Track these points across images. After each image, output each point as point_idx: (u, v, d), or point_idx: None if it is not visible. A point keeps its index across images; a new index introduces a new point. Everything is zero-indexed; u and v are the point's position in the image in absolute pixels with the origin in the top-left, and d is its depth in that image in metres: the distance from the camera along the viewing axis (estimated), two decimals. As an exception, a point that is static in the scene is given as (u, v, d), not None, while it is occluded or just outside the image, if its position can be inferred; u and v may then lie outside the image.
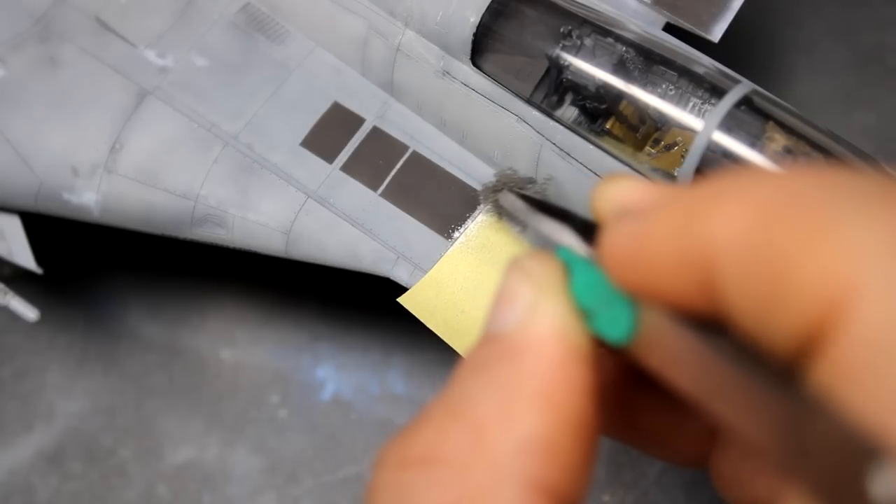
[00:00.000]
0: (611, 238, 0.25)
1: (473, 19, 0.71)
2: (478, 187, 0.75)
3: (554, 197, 0.72)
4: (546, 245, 0.28)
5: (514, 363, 0.24)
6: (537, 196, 0.68)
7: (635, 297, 0.25)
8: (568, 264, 0.27)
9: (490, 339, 0.25)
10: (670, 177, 0.64)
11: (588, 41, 0.68)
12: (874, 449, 0.18)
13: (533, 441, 0.23)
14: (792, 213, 0.21)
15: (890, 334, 0.18)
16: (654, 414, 0.30)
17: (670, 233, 0.23)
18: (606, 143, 0.67)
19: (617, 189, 0.26)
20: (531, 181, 0.70)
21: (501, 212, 0.66)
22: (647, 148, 0.66)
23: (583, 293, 0.26)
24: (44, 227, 0.82)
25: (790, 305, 0.20)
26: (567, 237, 0.28)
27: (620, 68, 0.67)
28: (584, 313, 0.26)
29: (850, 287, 0.19)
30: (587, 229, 0.27)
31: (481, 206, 0.70)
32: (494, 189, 0.68)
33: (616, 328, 0.25)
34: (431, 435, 0.24)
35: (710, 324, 0.23)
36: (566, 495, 0.23)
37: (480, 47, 0.72)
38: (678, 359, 0.23)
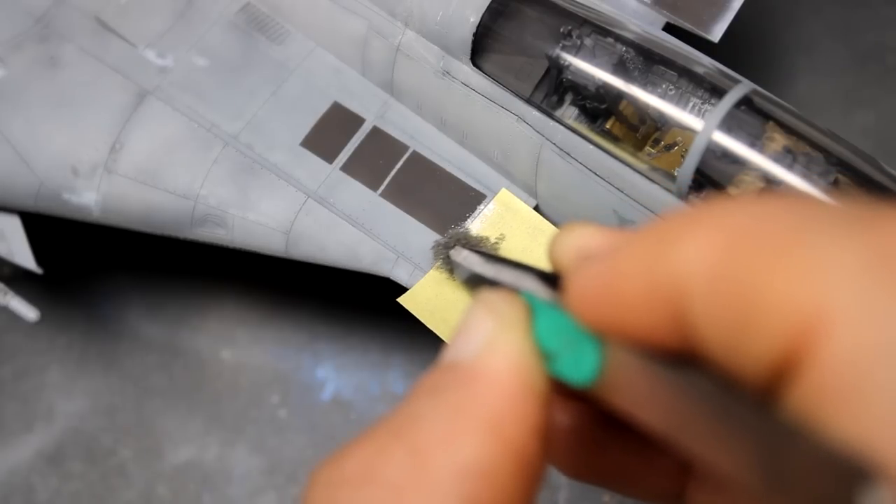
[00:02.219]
0: (578, 278, 0.25)
1: (473, 19, 0.71)
2: (478, 187, 0.75)
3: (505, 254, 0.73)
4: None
5: (465, 390, 0.24)
6: (490, 252, 0.69)
7: (603, 337, 0.25)
8: (531, 307, 0.27)
9: (446, 366, 0.25)
10: (670, 177, 0.64)
11: (588, 41, 0.68)
12: (861, 469, 0.18)
13: (473, 467, 0.23)
14: (759, 241, 0.21)
15: (865, 353, 0.18)
16: (621, 455, 0.30)
17: (639, 268, 0.23)
18: (606, 143, 0.67)
19: (576, 235, 0.27)
20: (483, 239, 0.71)
21: (454, 267, 0.67)
22: (647, 148, 0.66)
23: (546, 335, 0.26)
24: (44, 227, 0.82)
25: (762, 333, 0.20)
26: (529, 283, 0.28)
27: (620, 68, 0.66)
28: (546, 355, 0.26)
29: (821, 311, 0.19)
30: (545, 279, 0.28)
31: (433, 261, 0.71)
32: (446, 246, 0.69)
33: (580, 370, 0.25)
34: (370, 454, 0.23)
35: (682, 359, 0.23)
36: None
37: (480, 47, 0.72)
38: (646, 396, 0.23)
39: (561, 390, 0.26)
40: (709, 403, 0.21)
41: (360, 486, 0.23)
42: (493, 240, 0.71)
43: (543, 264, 0.28)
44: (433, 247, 0.71)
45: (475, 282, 0.31)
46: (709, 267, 0.21)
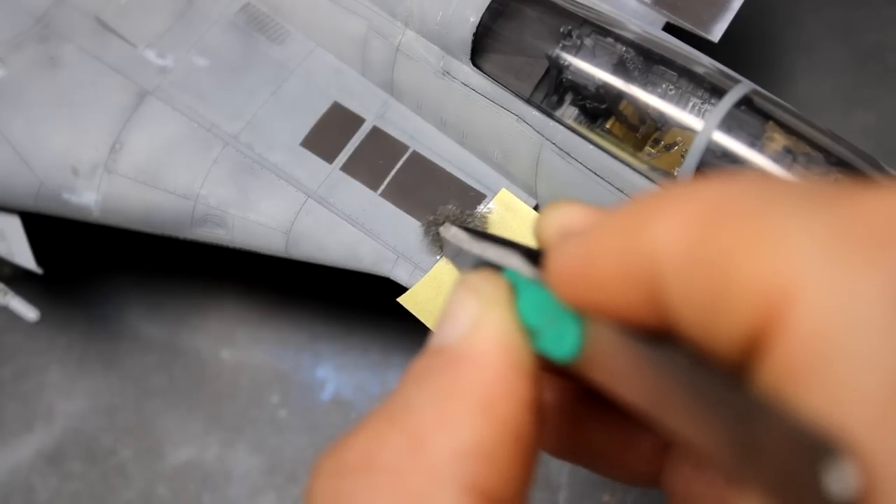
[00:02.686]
0: (557, 256, 0.25)
1: (473, 19, 0.71)
2: (478, 187, 0.75)
3: (493, 229, 0.74)
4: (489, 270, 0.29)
5: (455, 373, 0.24)
6: (479, 228, 0.69)
7: (582, 314, 0.25)
8: (514, 285, 0.27)
9: (434, 350, 0.26)
10: (670, 177, 0.64)
11: (588, 41, 0.68)
12: (827, 445, 0.18)
13: (470, 447, 0.23)
14: (729, 218, 0.21)
15: (830, 328, 0.19)
16: (605, 433, 0.30)
17: (614, 246, 0.23)
18: (606, 143, 0.67)
19: (559, 213, 0.27)
20: (473, 214, 0.71)
21: (443, 244, 0.68)
22: (647, 148, 0.66)
23: (528, 312, 0.26)
24: (44, 227, 0.82)
25: (731, 309, 0.20)
26: (513, 260, 0.28)
27: (620, 68, 0.66)
28: (530, 332, 0.26)
29: (788, 286, 0.19)
30: (530, 256, 0.28)
31: (423, 239, 0.71)
32: (435, 222, 0.70)
33: (562, 346, 0.25)
34: (369, 442, 0.24)
35: (659, 336, 0.23)
36: (503, 501, 0.23)
37: (480, 47, 0.72)
38: (626, 372, 0.24)
39: (544, 367, 0.26)
40: (684, 380, 0.22)
41: (362, 473, 0.23)
42: (480, 213, 0.71)
43: (531, 243, 0.29)
44: (423, 224, 0.71)
45: (463, 259, 0.31)
46: (680, 245, 0.21)
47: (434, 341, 0.26)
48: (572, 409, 0.30)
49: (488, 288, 0.27)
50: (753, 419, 0.19)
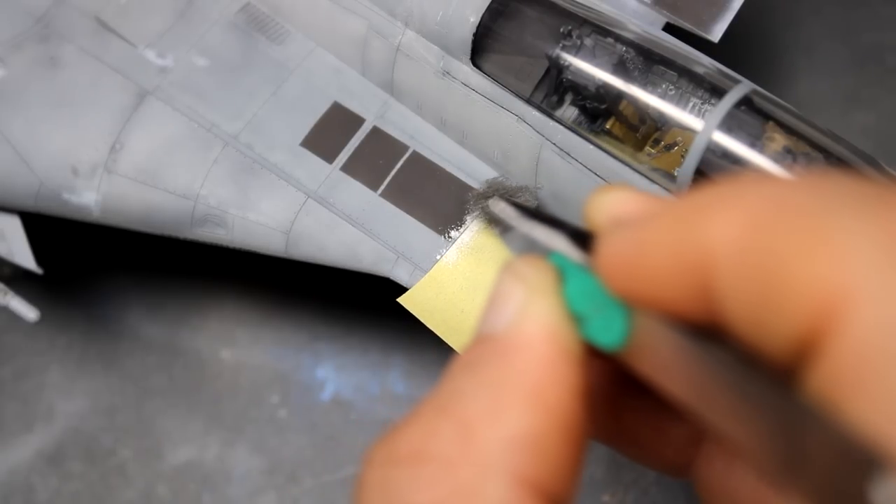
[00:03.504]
0: (608, 245, 0.25)
1: (473, 19, 0.71)
2: (478, 187, 0.75)
3: (545, 205, 0.73)
4: (536, 252, 0.28)
5: (504, 362, 0.24)
6: (528, 204, 0.68)
7: (631, 304, 0.25)
8: (561, 269, 0.27)
9: (481, 339, 0.26)
10: (670, 177, 0.64)
11: (588, 41, 0.68)
12: (874, 458, 0.18)
13: (521, 438, 0.23)
14: (787, 218, 0.21)
15: (885, 338, 0.18)
16: (639, 419, 0.30)
17: (667, 240, 0.23)
18: (606, 143, 0.67)
19: (612, 198, 0.27)
20: (522, 189, 0.70)
21: (491, 218, 0.67)
22: (647, 148, 0.66)
23: (575, 298, 0.26)
24: (44, 227, 0.82)
25: (785, 311, 0.20)
26: (560, 243, 0.28)
27: (620, 68, 0.66)
28: (577, 318, 0.26)
29: (844, 293, 0.19)
30: (578, 237, 0.27)
31: (470, 212, 0.70)
32: (484, 195, 0.69)
33: (608, 334, 0.25)
34: (420, 432, 0.24)
35: (707, 332, 0.23)
36: (555, 492, 0.23)
37: (480, 47, 0.72)
38: (672, 365, 0.23)
39: (587, 352, 0.26)
40: (730, 377, 0.21)
41: (414, 463, 0.23)
42: (532, 187, 0.69)
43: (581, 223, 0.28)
44: (470, 196, 0.69)
45: (511, 237, 0.31)
46: (735, 242, 0.21)
47: (481, 329, 0.26)
48: (609, 392, 0.30)
49: (535, 275, 0.26)
50: (800, 425, 0.19)
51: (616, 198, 0.26)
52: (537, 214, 0.30)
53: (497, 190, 0.68)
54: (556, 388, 0.24)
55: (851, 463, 0.18)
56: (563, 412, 0.24)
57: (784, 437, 0.20)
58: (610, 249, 0.25)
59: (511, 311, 0.25)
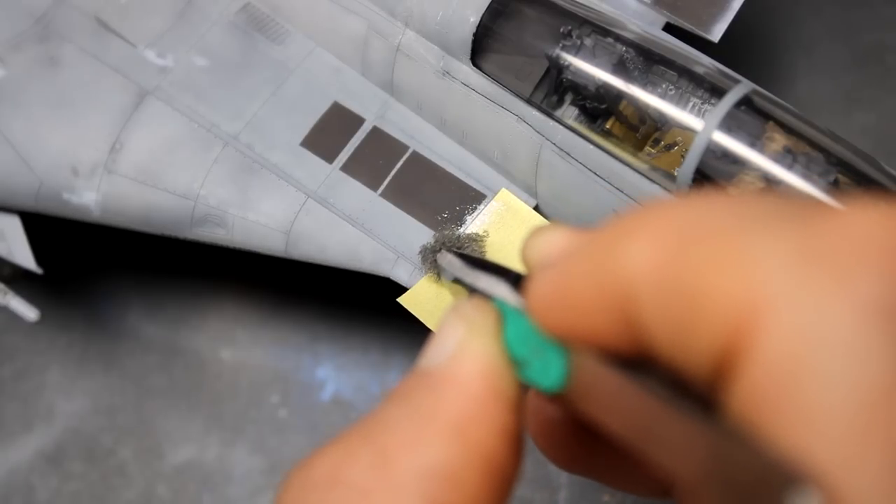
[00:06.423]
0: (535, 285, 0.25)
1: (473, 19, 0.71)
2: (478, 187, 0.75)
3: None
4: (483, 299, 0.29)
5: (433, 395, 0.25)
6: (475, 254, 0.70)
7: (564, 342, 0.25)
8: (503, 315, 0.27)
9: (418, 373, 0.26)
10: (670, 177, 0.64)
11: (588, 41, 0.68)
12: (790, 474, 0.18)
13: (438, 469, 0.23)
14: (700, 240, 0.21)
15: (797, 348, 0.18)
16: (612, 450, 0.30)
17: (588, 271, 0.23)
18: (606, 143, 0.67)
19: (542, 239, 0.27)
20: (471, 238, 0.71)
21: (440, 271, 0.69)
22: (647, 148, 0.66)
23: (515, 342, 0.26)
24: (44, 227, 0.82)
25: (701, 332, 0.20)
26: (501, 290, 0.28)
27: (620, 68, 0.66)
28: (518, 362, 0.26)
29: (757, 305, 0.19)
30: (520, 283, 0.28)
31: (421, 266, 0.71)
32: (433, 249, 0.70)
33: (548, 377, 0.26)
34: (338, 457, 0.24)
35: (640, 364, 0.23)
36: None
37: (480, 47, 0.72)
38: (609, 402, 0.23)
39: (535, 395, 0.27)
40: (661, 408, 0.21)
41: (328, 488, 0.23)
42: (481, 236, 0.72)
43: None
44: (420, 251, 0.71)
45: (461, 284, 0.32)
46: (652, 266, 0.21)
47: (421, 364, 0.26)
48: (579, 426, 0.30)
49: (476, 316, 0.27)
50: (724, 447, 0.19)
51: (546, 238, 0.27)
52: (483, 264, 0.31)
53: (444, 243, 0.70)
54: (481, 425, 0.24)
55: (770, 482, 0.18)
56: (485, 448, 0.24)
57: (711, 462, 0.20)
58: (537, 288, 0.25)
59: (449, 349, 0.26)
